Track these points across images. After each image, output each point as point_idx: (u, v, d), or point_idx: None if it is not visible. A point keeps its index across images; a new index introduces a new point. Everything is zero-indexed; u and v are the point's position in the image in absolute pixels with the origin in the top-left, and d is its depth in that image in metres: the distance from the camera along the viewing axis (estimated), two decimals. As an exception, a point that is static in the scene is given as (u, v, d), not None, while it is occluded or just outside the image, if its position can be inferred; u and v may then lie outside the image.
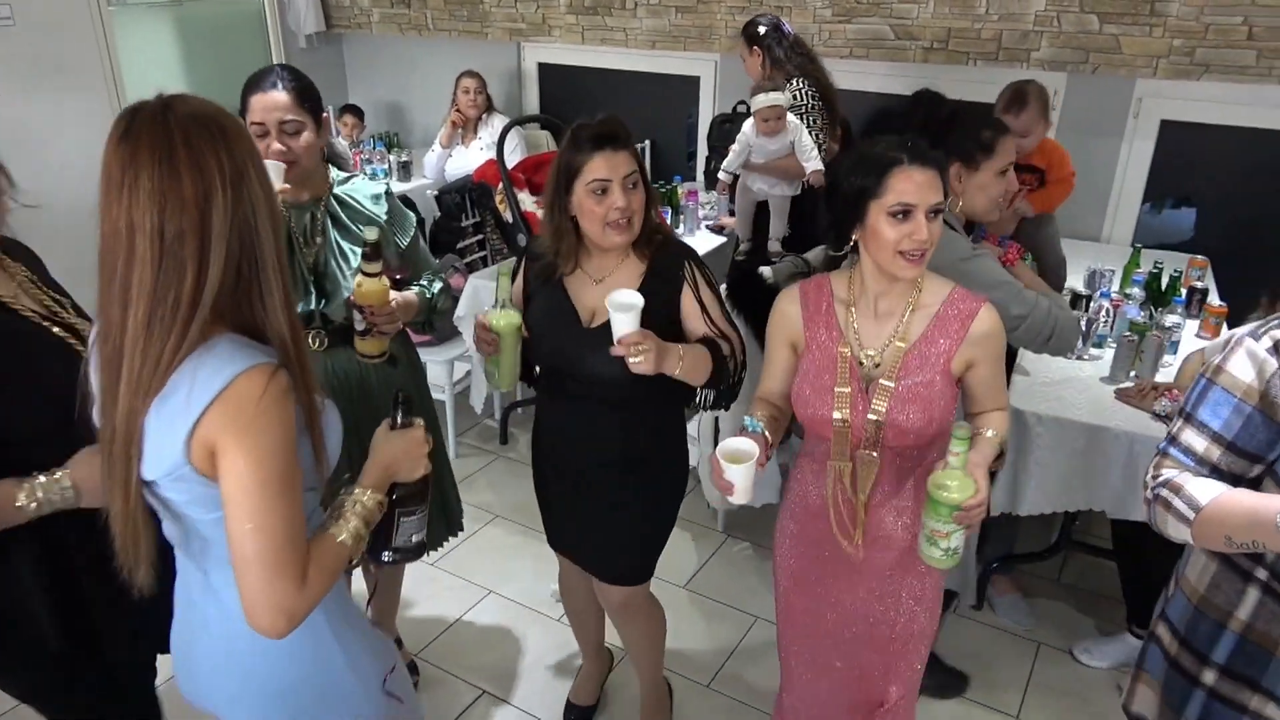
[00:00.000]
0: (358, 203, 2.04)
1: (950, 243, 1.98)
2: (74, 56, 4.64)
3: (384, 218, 2.06)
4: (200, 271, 1.10)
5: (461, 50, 5.33)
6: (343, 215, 2.01)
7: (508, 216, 4.24)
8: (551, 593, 2.96)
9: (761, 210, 3.69)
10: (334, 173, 2.06)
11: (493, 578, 3.06)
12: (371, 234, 1.83)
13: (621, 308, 1.67)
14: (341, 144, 5.24)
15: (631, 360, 1.67)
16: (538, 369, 2.03)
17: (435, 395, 3.76)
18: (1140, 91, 3.77)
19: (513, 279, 1.98)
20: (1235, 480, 1.35)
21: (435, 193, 4.19)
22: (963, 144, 2.13)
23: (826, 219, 1.87)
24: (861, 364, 1.70)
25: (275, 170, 1.82)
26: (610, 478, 2.00)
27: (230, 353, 1.12)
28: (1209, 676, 1.43)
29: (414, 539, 1.42)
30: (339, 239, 2.00)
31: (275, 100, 1.88)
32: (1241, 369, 1.32)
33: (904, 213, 1.59)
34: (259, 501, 1.11)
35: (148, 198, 1.07)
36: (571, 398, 1.96)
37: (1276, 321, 1.32)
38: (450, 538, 2.43)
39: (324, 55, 5.91)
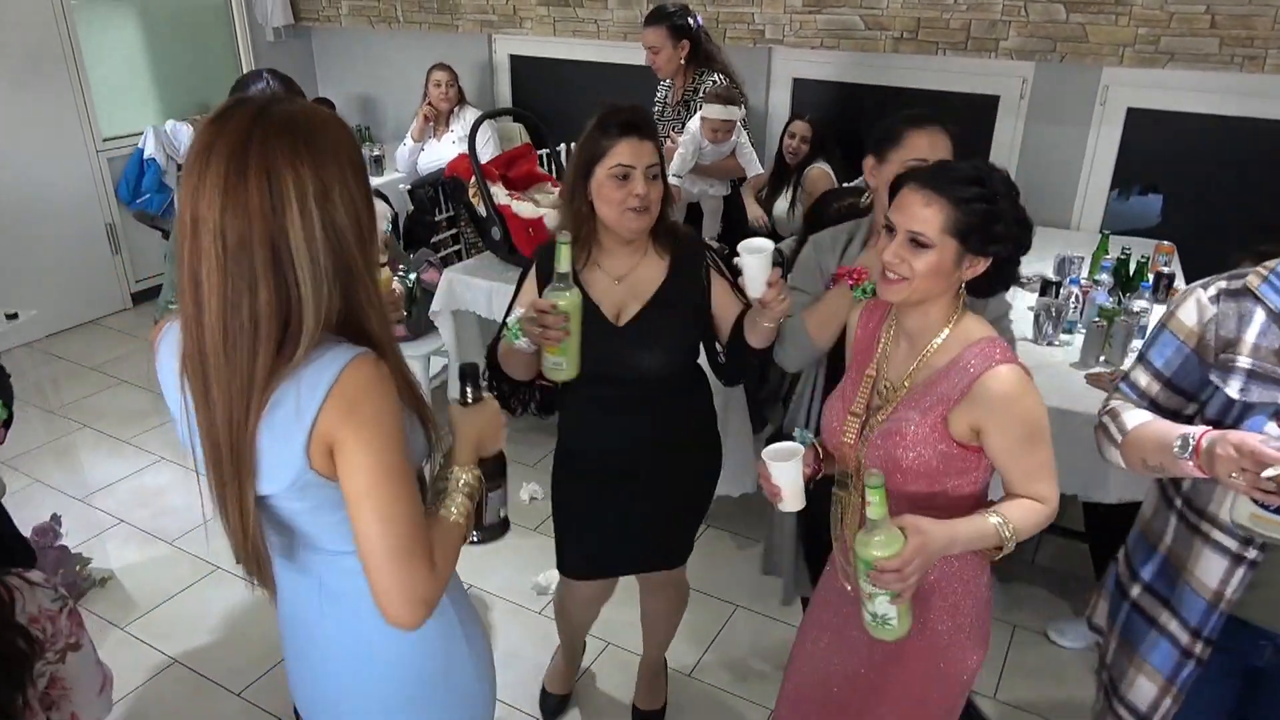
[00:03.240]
0: None
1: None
2: (37, 50, 4.56)
3: None
4: (279, 288, 1.05)
5: (432, 43, 5.29)
6: None
7: (481, 210, 4.22)
8: (533, 585, 2.97)
9: (691, 212, 3.63)
10: None
11: (472, 572, 3.05)
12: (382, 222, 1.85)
13: (758, 250, 1.60)
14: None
15: (778, 304, 1.65)
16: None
17: (412, 390, 3.75)
18: (1107, 79, 3.83)
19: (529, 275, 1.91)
20: (1172, 416, 1.48)
21: (408, 187, 4.17)
22: (875, 135, 1.96)
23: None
24: (879, 391, 1.58)
25: None
26: (660, 467, 2.01)
27: (328, 350, 1.09)
28: (1135, 590, 1.58)
29: (501, 514, 1.38)
30: None
31: None
32: (1187, 314, 1.45)
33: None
34: (385, 491, 1.08)
35: (212, 192, 1.02)
36: (607, 401, 1.94)
37: (1225, 275, 1.43)
38: None
39: (292, 49, 5.84)
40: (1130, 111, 3.85)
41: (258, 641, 2.75)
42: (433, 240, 4.06)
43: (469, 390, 1.29)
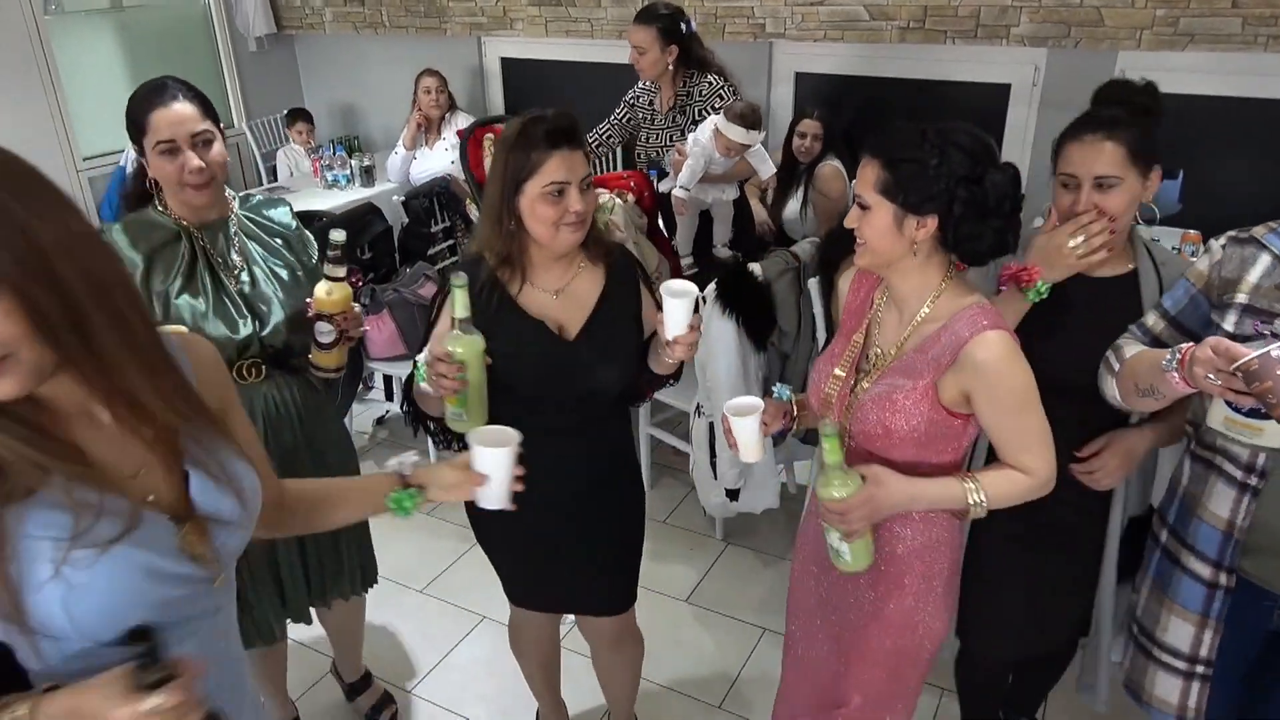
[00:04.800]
0: (268, 219, 1.94)
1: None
2: (10, 67, 4.40)
3: (296, 233, 1.97)
4: None
5: (420, 48, 5.14)
6: (258, 232, 1.90)
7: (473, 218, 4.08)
8: (548, 615, 2.82)
9: (701, 218, 3.48)
10: (230, 191, 1.93)
11: (485, 602, 2.90)
12: (339, 235, 1.76)
13: (683, 294, 1.56)
14: (298, 150, 5.05)
15: (688, 348, 1.60)
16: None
17: (413, 411, 3.61)
18: (1123, 63, 3.69)
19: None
20: None
21: (402, 199, 4.02)
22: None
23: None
24: (869, 356, 1.58)
25: None
26: (595, 502, 1.88)
27: None
28: (1163, 535, 1.66)
29: None
30: (261, 256, 1.89)
31: (183, 113, 1.73)
32: (1202, 261, 1.54)
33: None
34: None
35: None
36: (545, 429, 1.76)
37: (1248, 228, 1.50)
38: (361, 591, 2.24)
39: (276, 58, 5.70)
40: (1148, 96, 3.71)
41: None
42: (429, 253, 3.92)
43: (138, 661, 0.90)
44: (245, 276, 1.84)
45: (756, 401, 1.61)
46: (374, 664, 2.52)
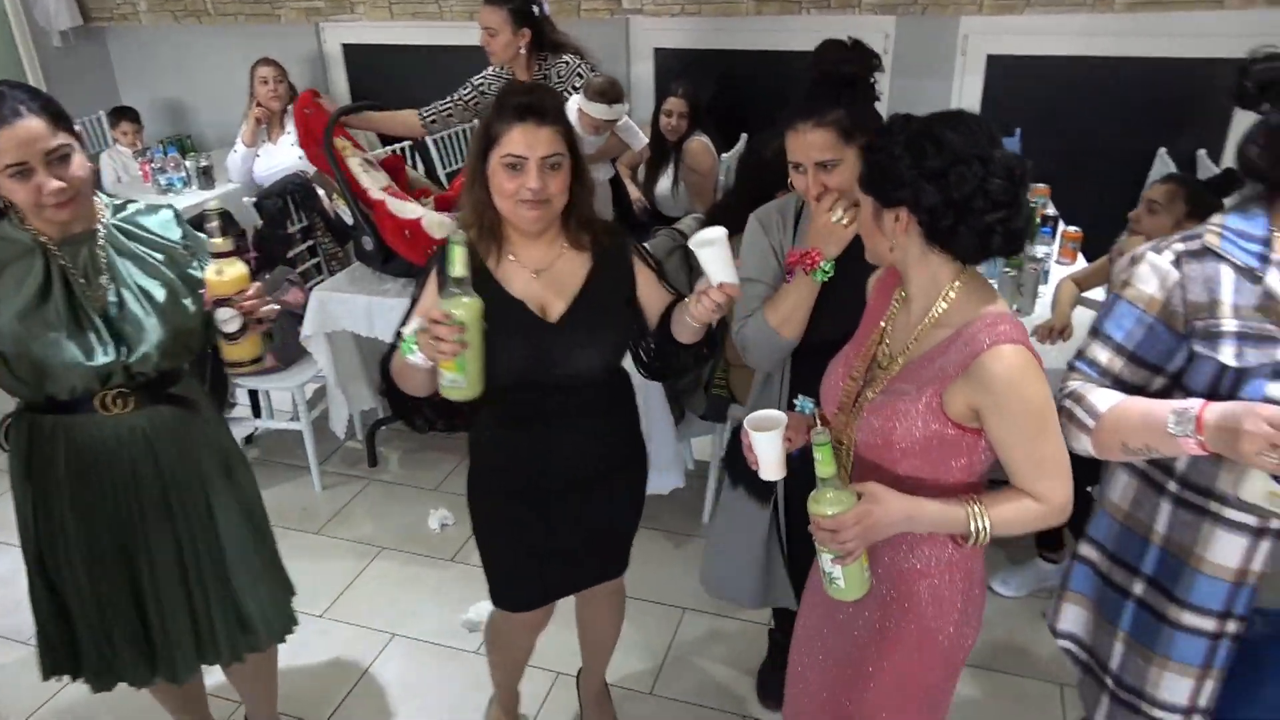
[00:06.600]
0: (145, 230, 1.74)
1: None
2: None
3: (182, 244, 1.77)
4: None
5: (251, 37, 4.80)
6: (130, 246, 1.70)
7: (337, 214, 3.85)
8: (463, 623, 2.71)
9: None
10: (102, 198, 1.73)
11: (393, 619, 2.77)
12: (214, 204, 1.67)
13: (711, 243, 1.46)
14: (124, 153, 4.63)
15: (726, 299, 1.51)
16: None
17: (290, 425, 3.38)
18: (965, 29, 3.86)
19: (435, 270, 1.69)
20: (1138, 392, 1.40)
21: (254, 200, 3.75)
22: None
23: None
24: (878, 360, 1.48)
25: None
26: (596, 480, 1.85)
27: None
28: (1138, 587, 1.49)
29: None
30: (132, 273, 1.68)
31: (31, 130, 1.50)
32: (1145, 281, 1.37)
33: None
34: None
35: None
36: (535, 414, 1.74)
37: (1177, 237, 1.38)
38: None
39: (85, 54, 5.19)
40: (990, 59, 3.91)
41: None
42: (289, 255, 3.67)
43: None
44: (113, 298, 1.64)
45: (779, 415, 1.48)
46: (283, 701, 2.34)
